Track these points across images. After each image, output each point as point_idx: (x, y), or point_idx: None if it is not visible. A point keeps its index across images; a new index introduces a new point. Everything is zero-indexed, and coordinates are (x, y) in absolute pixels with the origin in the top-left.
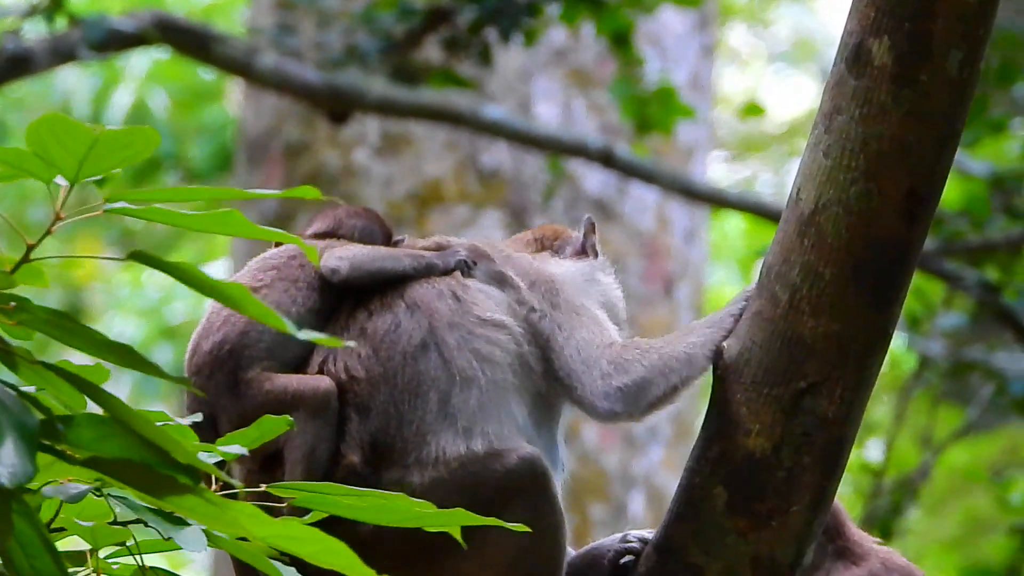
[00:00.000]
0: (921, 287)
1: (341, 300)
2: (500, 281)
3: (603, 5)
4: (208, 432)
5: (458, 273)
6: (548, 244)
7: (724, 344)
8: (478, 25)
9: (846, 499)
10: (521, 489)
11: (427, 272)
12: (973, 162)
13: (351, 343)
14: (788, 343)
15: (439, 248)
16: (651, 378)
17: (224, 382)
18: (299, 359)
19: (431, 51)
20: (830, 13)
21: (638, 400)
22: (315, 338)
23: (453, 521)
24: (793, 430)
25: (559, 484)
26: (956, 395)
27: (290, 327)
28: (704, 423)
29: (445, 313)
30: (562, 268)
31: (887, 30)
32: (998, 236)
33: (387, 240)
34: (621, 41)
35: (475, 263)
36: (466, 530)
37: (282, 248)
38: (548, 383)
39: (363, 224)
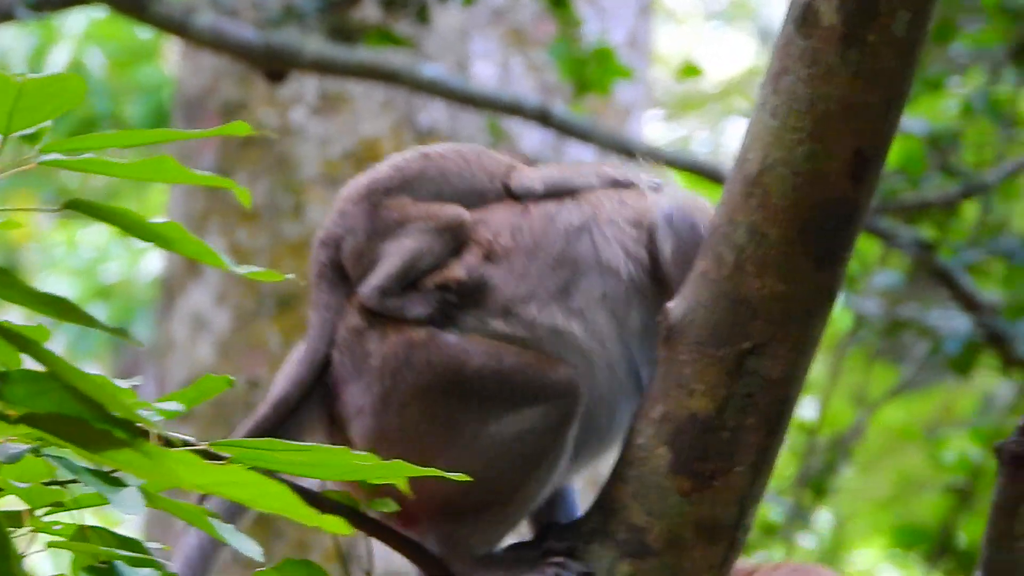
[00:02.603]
0: (857, 245)
1: None
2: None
3: None
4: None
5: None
6: None
7: (669, 305)
8: None
9: (780, 458)
10: (542, 398)
11: (612, 185)
12: (910, 120)
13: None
14: (733, 304)
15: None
16: None
17: (368, 208)
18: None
19: (368, 10)
20: None
21: None
22: (254, 273)
23: (395, 473)
24: (737, 391)
25: (630, 407)
26: (891, 353)
27: (228, 264)
28: (648, 383)
29: (608, 209)
30: None
31: None
32: (934, 194)
33: None
34: (559, 2)
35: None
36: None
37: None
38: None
39: None
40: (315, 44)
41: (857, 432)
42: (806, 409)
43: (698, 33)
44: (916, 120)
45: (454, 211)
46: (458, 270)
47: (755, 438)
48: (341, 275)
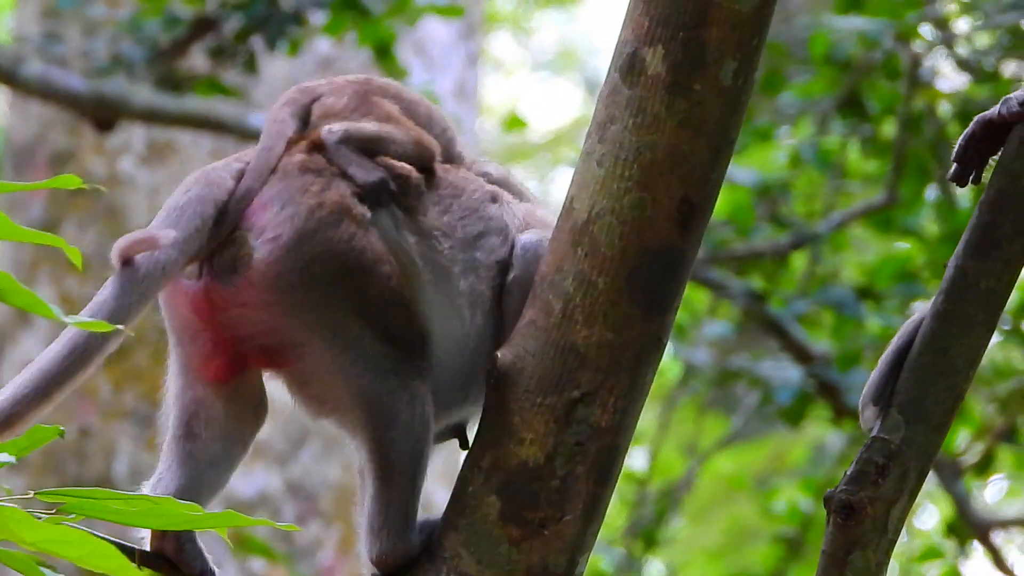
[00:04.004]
0: (687, 295)
1: None
2: None
3: (367, 16)
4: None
5: None
6: None
7: (498, 353)
8: (244, 33)
9: (611, 508)
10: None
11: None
12: (739, 170)
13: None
14: (561, 352)
15: None
16: None
17: (361, 91)
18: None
19: (197, 59)
20: (593, 22)
21: None
22: (81, 323)
23: (223, 523)
24: (566, 439)
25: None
26: (722, 403)
27: (58, 314)
28: (478, 432)
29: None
30: None
31: (661, 39)
32: (763, 244)
33: None
34: (384, 52)
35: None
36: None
37: None
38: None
39: None
40: (144, 93)
41: (688, 482)
42: (637, 459)
43: (525, 83)
44: (745, 171)
45: (432, 141)
46: (411, 171)
47: (585, 487)
48: (304, 116)
